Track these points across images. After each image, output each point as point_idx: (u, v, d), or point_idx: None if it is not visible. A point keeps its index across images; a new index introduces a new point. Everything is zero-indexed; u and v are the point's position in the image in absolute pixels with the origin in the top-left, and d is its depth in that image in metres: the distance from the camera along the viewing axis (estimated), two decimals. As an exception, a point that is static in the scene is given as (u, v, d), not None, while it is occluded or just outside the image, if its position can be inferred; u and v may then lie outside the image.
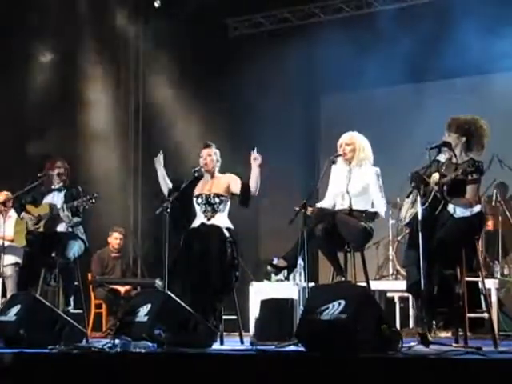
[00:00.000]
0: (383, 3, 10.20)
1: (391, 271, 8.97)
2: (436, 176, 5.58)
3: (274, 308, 6.51)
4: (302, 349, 4.95)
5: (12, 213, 8.07)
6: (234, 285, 6.51)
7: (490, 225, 8.35)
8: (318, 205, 6.22)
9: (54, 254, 7.09)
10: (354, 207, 6.15)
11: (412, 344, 4.99)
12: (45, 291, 7.41)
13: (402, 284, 6.89)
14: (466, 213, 5.59)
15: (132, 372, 4.49)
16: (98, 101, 10.57)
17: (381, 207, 6.17)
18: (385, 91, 10.05)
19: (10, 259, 8.17)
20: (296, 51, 10.52)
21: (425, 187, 5.51)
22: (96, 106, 10.59)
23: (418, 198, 5.41)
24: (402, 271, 8.27)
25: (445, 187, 5.52)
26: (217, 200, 6.62)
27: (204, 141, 6.89)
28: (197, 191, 6.72)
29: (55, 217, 7.20)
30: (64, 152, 8.26)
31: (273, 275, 8.05)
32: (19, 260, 8.09)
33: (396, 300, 8.66)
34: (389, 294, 8.68)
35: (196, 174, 6.68)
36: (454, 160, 5.65)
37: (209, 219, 6.60)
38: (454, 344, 5.42)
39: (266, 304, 6.68)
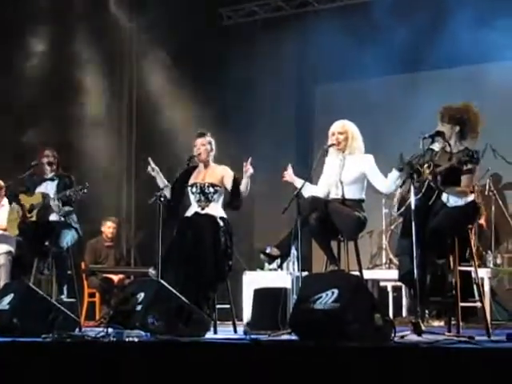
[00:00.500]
0: (377, -8, 10.17)
1: (384, 260, 8.99)
2: (428, 167, 5.57)
3: (268, 297, 6.51)
4: (295, 338, 4.96)
5: (5, 202, 8.06)
6: (228, 274, 6.52)
7: (482, 219, 8.35)
8: (311, 193, 6.20)
9: (46, 243, 7.09)
10: (347, 196, 6.15)
11: (405, 333, 5.00)
12: (38, 280, 7.40)
13: (395, 273, 6.90)
14: (460, 202, 5.60)
15: (125, 361, 4.49)
16: (91, 90, 10.53)
17: (389, 184, 6.03)
18: (379, 81, 10.03)
19: (2, 248, 8.16)
20: (290, 40, 10.51)
21: (418, 177, 5.51)
22: (89, 95, 10.55)
23: (412, 188, 5.41)
24: (395, 260, 8.28)
25: (439, 177, 5.52)
26: (211, 190, 6.62)
27: (198, 129, 6.87)
28: (191, 180, 6.72)
29: (48, 206, 7.20)
30: (57, 141, 8.25)
31: (266, 264, 8.05)
32: (12, 249, 8.08)
33: (389, 289, 8.67)
34: (382, 283, 8.70)
35: (189, 164, 6.67)
36: (447, 149, 5.65)
37: (203, 208, 6.60)
38: (446, 333, 5.44)
39: (260, 293, 6.69)
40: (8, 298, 5.86)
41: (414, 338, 4.98)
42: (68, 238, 7.11)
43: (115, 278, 9.42)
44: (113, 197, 10.87)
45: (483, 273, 7.55)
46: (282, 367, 4.08)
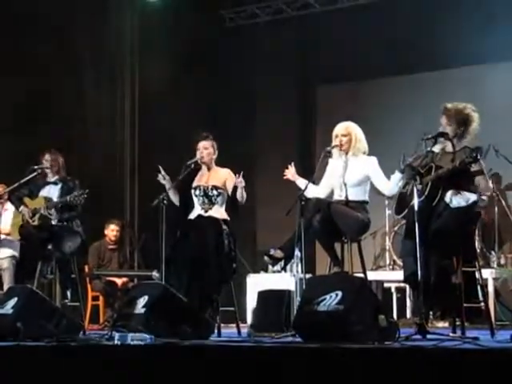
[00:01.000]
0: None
1: (388, 261, 8.98)
2: (429, 170, 5.58)
3: (271, 299, 6.52)
4: (299, 340, 4.96)
5: (9, 206, 8.05)
6: (231, 276, 6.52)
7: (485, 216, 8.35)
8: (314, 195, 6.20)
9: (50, 247, 7.09)
10: (351, 198, 6.14)
11: (409, 334, 4.99)
12: (41, 284, 7.39)
13: (398, 274, 6.90)
14: (462, 203, 5.59)
15: (129, 364, 4.49)
16: (92, 91, 10.54)
17: (392, 187, 6.03)
18: (381, 82, 10.04)
19: (6, 252, 8.16)
20: (291, 42, 10.53)
21: (421, 179, 5.50)
22: (91, 96, 10.56)
23: (415, 190, 5.41)
24: (399, 261, 8.28)
25: (443, 178, 5.52)
26: (214, 192, 6.62)
27: (199, 130, 6.86)
28: (194, 183, 6.72)
29: (51, 210, 7.18)
30: (59, 142, 8.23)
31: (270, 266, 8.06)
32: (16, 253, 8.08)
33: (393, 290, 8.68)
34: (386, 285, 8.70)
35: (192, 166, 6.66)
36: (448, 149, 5.66)
37: (206, 211, 6.59)
38: (451, 334, 5.42)
39: (263, 295, 6.69)
40: (12, 302, 5.86)
41: (418, 339, 4.97)
42: (71, 242, 7.10)
43: (119, 281, 9.41)
44: (116, 200, 10.87)
45: (487, 273, 7.55)
46: (286, 369, 4.07)
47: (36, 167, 7.33)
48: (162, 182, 6.62)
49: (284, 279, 7.77)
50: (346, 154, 6.24)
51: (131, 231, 11.00)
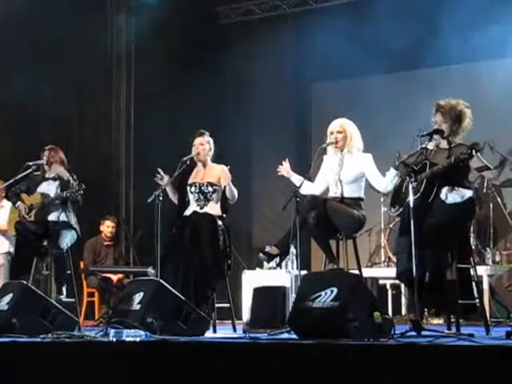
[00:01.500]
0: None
1: (383, 258, 8.99)
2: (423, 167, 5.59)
3: (267, 296, 6.52)
4: (294, 336, 4.96)
5: (5, 202, 8.05)
6: (227, 273, 6.53)
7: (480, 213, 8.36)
8: (309, 191, 6.20)
9: (45, 243, 7.09)
10: (346, 195, 6.15)
11: (404, 331, 5.00)
12: (37, 280, 7.40)
13: (393, 271, 6.86)
14: (458, 199, 5.60)
15: (125, 360, 4.49)
16: (89, 90, 10.53)
17: (387, 183, 6.02)
18: (377, 79, 10.04)
19: (1, 248, 8.16)
20: (287, 39, 10.52)
21: (416, 176, 5.50)
22: (87, 96, 10.56)
23: (410, 187, 5.41)
24: (394, 258, 8.28)
25: (438, 175, 5.53)
26: (210, 189, 6.62)
27: (196, 128, 6.87)
28: (190, 180, 6.72)
29: (47, 206, 7.18)
30: (55, 140, 8.23)
31: (265, 263, 8.05)
32: (11, 249, 8.07)
33: (388, 287, 8.69)
34: (381, 282, 8.71)
35: (188, 163, 6.67)
36: (442, 146, 5.67)
37: (201, 208, 6.60)
38: (446, 331, 5.44)
39: (259, 292, 6.70)
40: (7, 298, 5.86)
41: (413, 335, 4.98)
42: (67, 238, 7.10)
43: (114, 277, 9.42)
44: (111, 196, 10.87)
45: (482, 270, 7.56)
46: (281, 366, 4.08)
47: (31, 163, 7.33)
48: (160, 182, 6.62)
49: (279, 276, 7.76)
50: (342, 151, 6.23)
51: (127, 227, 11.00)
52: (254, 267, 8.78)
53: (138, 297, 5.47)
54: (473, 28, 8.70)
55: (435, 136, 5.65)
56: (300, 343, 4.57)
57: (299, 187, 6.02)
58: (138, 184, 10.54)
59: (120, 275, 9.45)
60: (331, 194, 6.24)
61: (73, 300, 7.13)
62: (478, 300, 5.78)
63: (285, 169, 6.35)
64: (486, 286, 7.60)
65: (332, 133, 6.23)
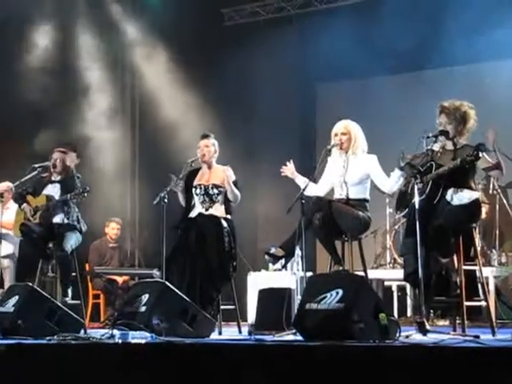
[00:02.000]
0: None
1: (389, 260, 8.98)
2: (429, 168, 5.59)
3: (272, 297, 6.52)
4: (299, 338, 4.96)
5: (11, 204, 8.05)
6: (232, 274, 6.53)
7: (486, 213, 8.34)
8: (313, 193, 6.20)
9: (50, 245, 7.09)
10: (351, 196, 6.15)
11: (410, 332, 5.00)
12: (42, 282, 7.41)
13: (399, 273, 6.89)
14: (464, 200, 5.59)
15: (130, 362, 4.49)
16: (93, 91, 10.54)
17: (392, 184, 6.04)
18: (381, 80, 10.04)
19: (7, 250, 8.17)
20: (292, 40, 10.51)
21: (421, 177, 5.49)
22: (92, 96, 10.56)
23: (416, 188, 5.40)
24: (400, 260, 8.28)
25: (443, 177, 5.53)
26: (215, 191, 6.63)
27: (199, 128, 6.88)
28: (195, 182, 6.73)
29: (51, 208, 7.19)
30: (61, 141, 8.25)
31: (270, 264, 8.06)
32: (17, 251, 8.08)
33: (394, 289, 8.67)
34: (386, 283, 8.68)
35: (193, 165, 6.68)
36: (448, 147, 5.67)
37: (207, 209, 6.60)
38: (451, 332, 5.43)
39: (264, 293, 6.69)
40: (13, 300, 5.87)
41: (419, 337, 4.97)
42: (72, 240, 7.11)
43: (120, 279, 9.42)
44: (117, 198, 10.87)
45: (488, 272, 7.54)
46: (287, 367, 4.08)
47: (36, 166, 7.36)
48: (175, 189, 6.62)
49: (285, 277, 7.76)
50: (346, 152, 6.23)
51: (132, 229, 11.01)
52: (260, 269, 8.79)
53: (144, 299, 5.47)
54: (477, 30, 8.69)
55: (440, 137, 5.65)
56: (305, 345, 4.57)
57: (304, 189, 6.01)
58: (143, 185, 10.54)
59: (125, 277, 9.46)
60: (336, 196, 6.23)
61: (78, 302, 7.14)
62: (483, 301, 5.77)
63: (289, 169, 6.35)
64: (491, 287, 7.58)
65: (336, 134, 6.23)
